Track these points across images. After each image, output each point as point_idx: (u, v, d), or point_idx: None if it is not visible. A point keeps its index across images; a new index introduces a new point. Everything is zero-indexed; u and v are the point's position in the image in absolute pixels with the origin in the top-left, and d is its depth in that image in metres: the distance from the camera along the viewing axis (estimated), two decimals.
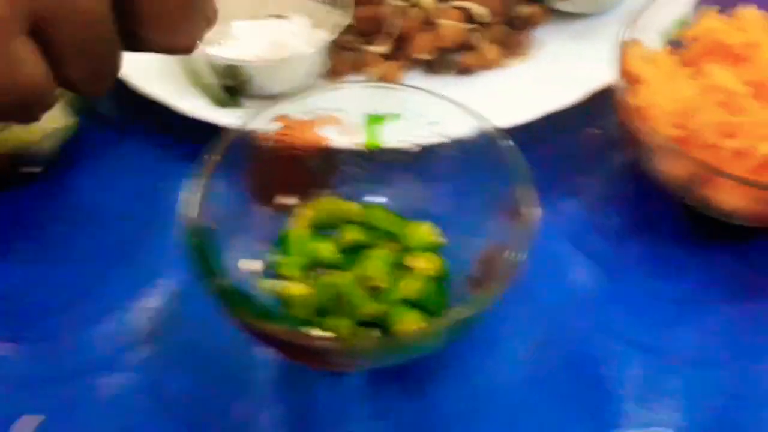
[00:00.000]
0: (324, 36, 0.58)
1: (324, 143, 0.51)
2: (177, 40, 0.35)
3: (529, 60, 0.60)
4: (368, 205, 0.52)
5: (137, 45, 0.34)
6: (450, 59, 0.60)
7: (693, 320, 0.50)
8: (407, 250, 0.50)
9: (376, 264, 0.48)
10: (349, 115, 0.51)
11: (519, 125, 0.55)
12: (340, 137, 0.51)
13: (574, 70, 0.58)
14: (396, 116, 0.50)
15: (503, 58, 0.60)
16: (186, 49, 0.36)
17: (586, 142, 0.58)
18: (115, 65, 0.34)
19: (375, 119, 0.51)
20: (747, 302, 0.50)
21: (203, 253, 0.43)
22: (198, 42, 0.36)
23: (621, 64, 0.50)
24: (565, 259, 0.53)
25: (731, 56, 0.51)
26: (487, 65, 0.60)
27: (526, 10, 0.61)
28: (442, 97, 0.49)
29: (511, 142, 0.46)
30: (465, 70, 0.60)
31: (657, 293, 0.51)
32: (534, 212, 0.44)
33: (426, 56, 0.59)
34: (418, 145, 0.50)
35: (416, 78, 0.60)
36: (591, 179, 0.56)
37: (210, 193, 0.46)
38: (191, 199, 0.44)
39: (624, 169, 0.56)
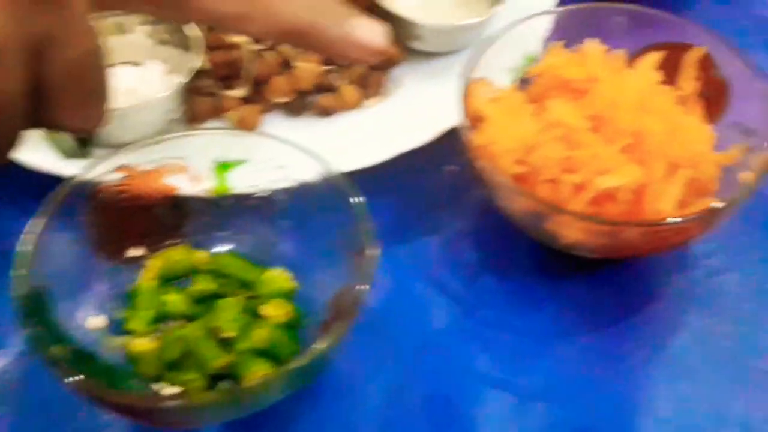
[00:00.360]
0: (178, 81, 0.57)
1: (171, 192, 0.50)
2: (85, 122, 0.38)
3: (387, 100, 0.61)
4: (219, 253, 0.51)
5: (43, 124, 0.36)
6: (308, 101, 0.60)
7: (548, 354, 0.50)
8: (259, 297, 0.49)
9: (226, 314, 0.48)
10: (197, 162, 0.50)
11: (378, 164, 0.56)
12: (188, 185, 0.50)
13: (431, 109, 0.59)
14: (244, 162, 0.50)
15: (362, 99, 0.60)
16: (92, 128, 0.38)
17: (445, 180, 0.58)
18: (15, 142, 0.35)
19: (223, 166, 0.50)
20: (598, 333, 0.51)
21: (34, 316, 0.42)
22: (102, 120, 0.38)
23: (464, 103, 0.51)
24: (423, 299, 0.53)
25: (572, 91, 0.52)
26: (346, 106, 0.60)
27: None
28: (288, 142, 0.49)
29: (352, 184, 0.46)
30: (325, 112, 0.60)
31: (513, 328, 0.51)
32: (375, 252, 0.44)
33: (283, 99, 0.59)
34: (266, 190, 0.50)
35: (276, 120, 0.60)
36: (449, 216, 0.57)
37: (46, 249, 0.44)
38: (22, 256, 0.43)
39: (481, 205, 0.57)
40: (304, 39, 0.41)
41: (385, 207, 0.57)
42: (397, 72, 0.62)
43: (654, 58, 0.52)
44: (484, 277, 0.54)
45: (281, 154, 0.49)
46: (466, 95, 0.52)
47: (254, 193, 0.50)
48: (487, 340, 0.51)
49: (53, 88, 0.36)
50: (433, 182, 0.58)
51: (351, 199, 0.46)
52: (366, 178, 0.55)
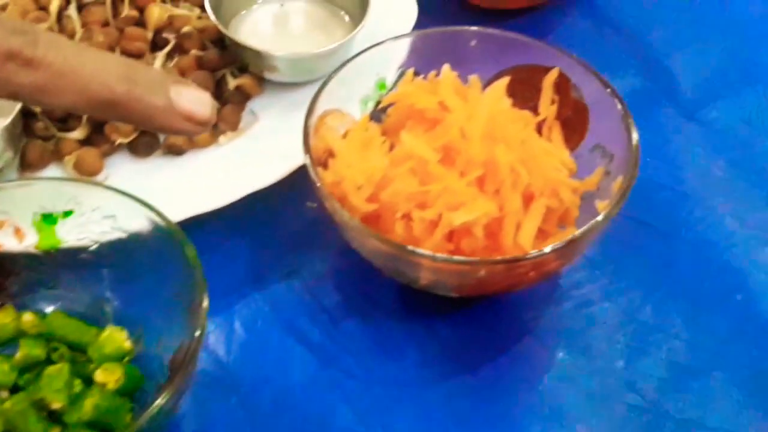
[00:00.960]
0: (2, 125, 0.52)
1: None
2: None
3: (242, 135, 0.57)
4: (48, 314, 0.46)
5: None
6: (154, 140, 0.56)
7: (413, 402, 0.47)
8: (93, 361, 0.45)
9: (53, 383, 0.43)
10: (19, 215, 0.46)
11: (233, 204, 0.52)
12: (11, 241, 0.46)
13: (289, 143, 0.55)
14: (71, 213, 0.46)
15: (215, 136, 0.57)
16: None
17: (306, 218, 0.55)
18: None
19: (47, 218, 0.46)
20: (466, 375, 0.48)
21: None
22: None
23: (310, 138, 0.48)
24: (281, 349, 0.49)
25: (426, 121, 0.49)
26: (197, 144, 0.56)
27: (235, 82, 0.58)
28: (116, 190, 0.45)
29: (183, 233, 0.43)
30: (174, 151, 0.56)
31: (376, 377, 0.48)
32: (206, 303, 0.40)
33: (125, 139, 0.55)
34: (96, 243, 0.46)
35: (120, 163, 0.55)
36: (309, 257, 0.53)
37: None
38: None
39: (343, 243, 0.54)
40: (118, 111, 0.38)
41: (240, 250, 0.53)
42: (252, 105, 0.59)
43: (503, 83, 0.50)
44: (346, 322, 0.50)
45: (111, 203, 0.45)
46: (315, 129, 0.49)
47: (83, 247, 0.46)
48: (349, 391, 0.47)
49: None
50: (292, 221, 0.55)
51: (183, 248, 0.42)
52: (221, 220, 0.52)
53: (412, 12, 0.60)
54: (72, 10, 0.57)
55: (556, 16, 0.66)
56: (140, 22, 0.59)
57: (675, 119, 0.59)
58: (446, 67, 0.51)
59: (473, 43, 0.53)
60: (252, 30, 0.61)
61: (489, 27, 0.64)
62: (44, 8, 0.57)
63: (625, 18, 0.66)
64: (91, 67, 0.37)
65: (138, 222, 0.44)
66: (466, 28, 0.53)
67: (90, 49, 0.39)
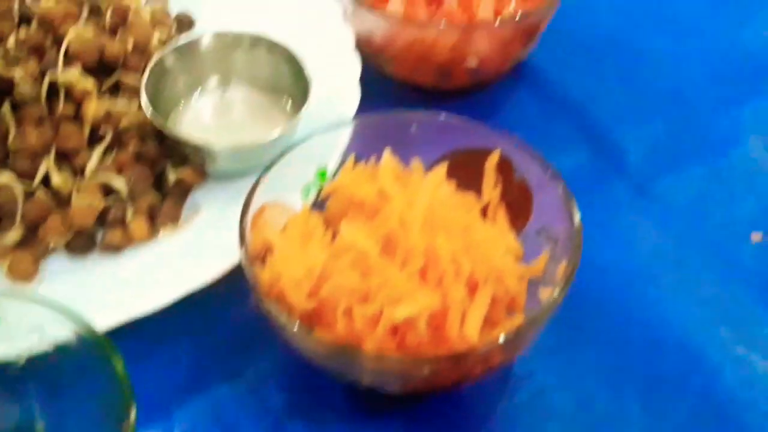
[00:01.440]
0: None
1: None
2: None
3: (183, 230, 0.55)
4: None
5: None
6: (91, 240, 0.54)
7: None
8: None
9: None
10: None
11: (173, 303, 0.50)
12: None
13: (231, 237, 0.53)
14: None
15: (154, 232, 0.55)
16: None
17: (248, 315, 0.53)
18: None
19: None
20: None
21: None
22: None
23: (247, 233, 0.46)
24: None
25: (365, 210, 0.48)
26: (136, 241, 0.54)
27: (176, 175, 0.57)
28: (42, 300, 0.43)
29: (111, 342, 0.41)
30: (113, 249, 0.54)
31: None
32: (133, 419, 0.38)
33: (61, 240, 0.53)
34: (22, 356, 0.44)
35: (57, 265, 0.54)
36: (253, 357, 0.51)
37: None
38: None
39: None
40: None
41: (180, 353, 0.51)
42: (195, 196, 0.57)
43: (443, 169, 0.49)
44: (293, 424, 0.48)
45: (37, 314, 0.42)
46: (253, 223, 0.48)
47: (10, 362, 0.44)
48: None
49: None
50: (235, 319, 0.53)
51: (111, 360, 0.40)
52: (160, 321, 0.50)
53: (354, 96, 0.60)
54: (6, 109, 0.56)
55: (500, 93, 0.66)
56: (78, 117, 0.57)
57: (624, 194, 0.59)
58: (387, 153, 0.51)
59: (414, 128, 0.52)
60: (193, 120, 0.60)
61: (433, 107, 0.64)
62: None
63: (569, 93, 0.65)
64: None
65: (65, 333, 0.42)
66: (407, 113, 0.53)
67: None
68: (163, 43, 0.63)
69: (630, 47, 0.68)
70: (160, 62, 0.59)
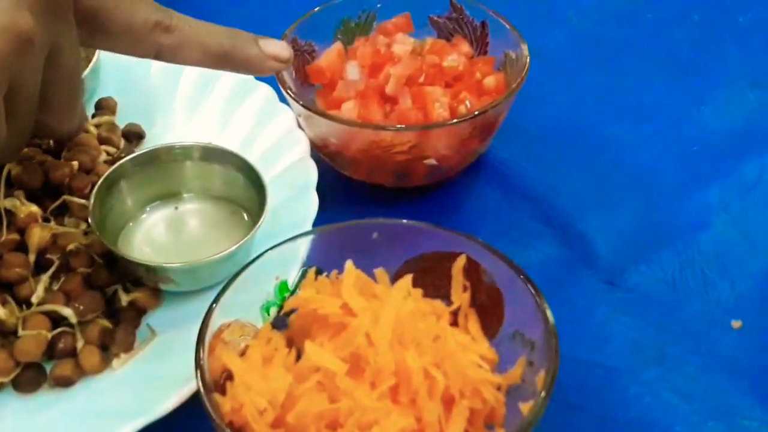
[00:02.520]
0: None
1: None
2: (70, 125, 0.53)
3: (137, 356, 0.52)
4: None
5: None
6: (39, 373, 0.51)
7: None
8: None
9: None
10: None
11: None
12: None
13: (189, 362, 0.50)
14: None
15: (107, 361, 0.52)
16: (73, 133, 0.56)
17: None
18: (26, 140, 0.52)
19: None
20: None
21: None
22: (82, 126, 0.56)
23: (203, 360, 0.43)
24: None
25: (330, 327, 0.45)
26: (87, 372, 0.51)
27: (128, 297, 0.54)
28: None
29: None
30: (63, 382, 0.51)
31: None
32: None
33: (5, 378, 0.50)
34: None
35: (3, 401, 0.50)
36: None
37: None
38: None
39: None
40: (229, 59, 0.54)
41: None
42: (149, 319, 0.54)
43: (408, 279, 0.47)
44: None
45: None
46: (210, 348, 0.45)
47: None
48: None
49: (54, 92, 0.49)
50: None
51: None
52: None
53: (312, 204, 0.58)
54: None
55: (461, 188, 0.65)
56: (22, 245, 0.55)
57: (596, 287, 0.57)
58: (349, 264, 0.48)
59: (375, 235, 0.50)
60: (145, 238, 0.58)
61: (394, 207, 0.63)
62: None
63: (533, 185, 0.64)
64: (206, 31, 0.54)
65: None
66: (368, 221, 0.51)
67: (204, 22, 0.54)
68: (111, 159, 0.61)
69: (590, 135, 0.68)
70: (108, 180, 0.56)
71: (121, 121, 0.67)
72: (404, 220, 0.50)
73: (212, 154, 0.59)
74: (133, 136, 0.66)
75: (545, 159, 0.66)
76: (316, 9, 0.67)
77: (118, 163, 0.58)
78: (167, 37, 0.52)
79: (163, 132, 0.67)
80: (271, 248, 0.50)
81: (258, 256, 0.49)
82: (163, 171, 0.59)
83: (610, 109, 0.70)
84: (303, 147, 0.62)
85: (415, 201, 0.64)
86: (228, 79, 0.68)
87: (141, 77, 0.70)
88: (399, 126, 0.59)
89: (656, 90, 0.72)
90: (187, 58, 0.53)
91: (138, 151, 0.60)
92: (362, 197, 0.64)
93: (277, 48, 0.56)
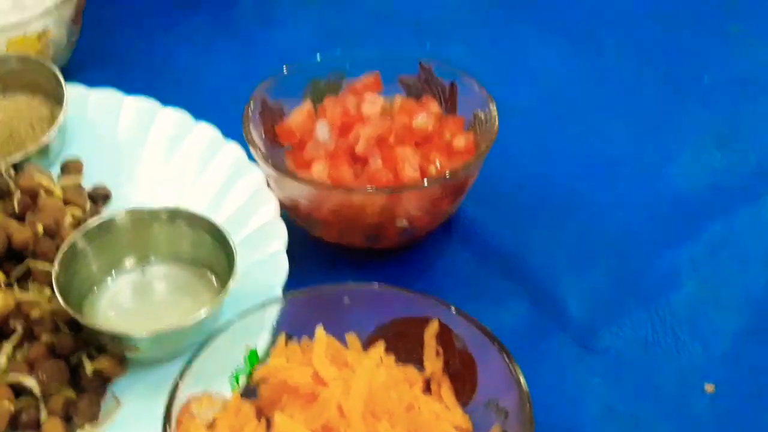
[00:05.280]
0: None
1: None
2: None
3: (102, 427, 0.51)
4: None
5: None
6: None
7: None
8: None
9: None
10: None
11: None
12: None
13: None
14: None
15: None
16: None
17: None
18: None
19: None
20: None
21: None
22: None
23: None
24: None
25: (300, 397, 0.45)
26: None
27: (93, 366, 0.53)
28: None
29: None
30: None
31: None
32: None
33: None
34: None
35: None
36: None
37: None
38: None
39: None
40: None
41: None
42: (114, 388, 0.53)
43: (380, 347, 0.46)
44: None
45: None
46: (178, 422, 0.44)
47: None
48: None
49: None
50: None
51: None
52: None
53: (282, 267, 0.57)
54: None
55: (432, 248, 0.64)
56: None
57: (569, 349, 0.56)
58: (319, 330, 0.48)
59: (346, 300, 0.50)
60: (110, 304, 0.56)
61: (365, 268, 0.62)
62: None
63: (504, 244, 0.64)
64: None
65: None
66: (338, 285, 0.50)
67: None
68: (76, 222, 0.60)
69: (560, 193, 0.67)
70: (73, 245, 0.55)
71: (88, 181, 0.66)
72: (375, 285, 0.50)
73: (179, 217, 0.58)
74: (100, 197, 0.65)
75: (516, 218, 0.66)
76: (284, 70, 0.66)
77: (83, 227, 0.57)
78: None
79: (131, 192, 0.66)
80: (240, 316, 0.49)
81: (226, 325, 0.48)
82: (130, 234, 0.58)
83: (580, 167, 0.70)
84: (272, 208, 0.61)
85: (385, 262, 0.63)
86: (196, 137, 0.68)
87: (108, 136, 0.70)
88: (369, 188, 0.59)
89: (625, 148, 0.72)
90: None
91: (104, 214, 0.59)
92: (332, 259, 0.63)
93: None
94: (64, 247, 0.55)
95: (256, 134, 0.62)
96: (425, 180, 0.59)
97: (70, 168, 0.67)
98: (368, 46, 0.82)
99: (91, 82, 0.72)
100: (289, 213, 0.62)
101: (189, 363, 0.46)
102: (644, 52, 0.81)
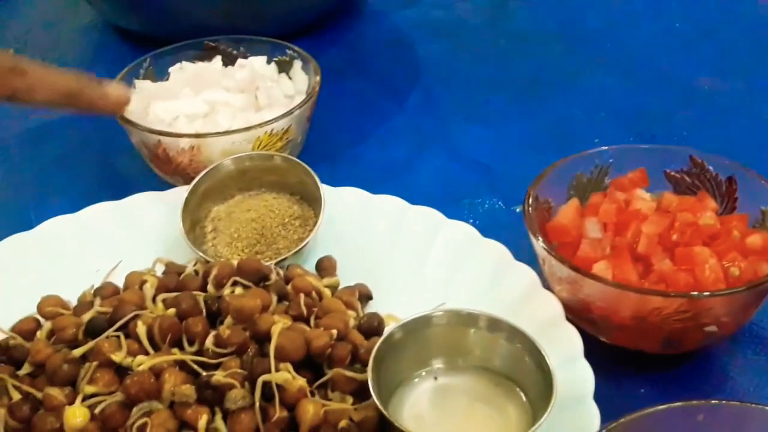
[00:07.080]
0: None
1: None
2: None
3: None
4: None
5: None
6: None
7: None
8: None
9: None
10: None
11: None
12: None
13: None
14: None
15: None
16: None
17: None
18: None
19: None
20: None
21: None
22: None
23: None
24: None
25: None
26: None
27: None
28: None
29: None
30: None
31: None
32: None
33: None
34: None
35: None
36: None
37: None
38: None
39: None
40: (77, 98, 0.61)
41: None
42: None
43: None
44: None
45: None
46: None
47: None
48: None
49: None
50: None
51: None
52: None
53: (588, 375, 0.54)
54: (218, 421, 0.50)
55: (723, 353, 0.60)
56: (292, 421, 0.51)
57: None
58: None
59: (700, 417, 0.46)
60: (412, 411, 0.53)
61: (660, 374, 0.58)
62: (192, 428, 0.50)
63: None
64: (55, 73, 0.61)
65: None
66: (693, 402, 0.46)
67: (53, 66, 0.62)
68: (353, 327, 0.58)
69: None
70: (381, 348, 0.53)
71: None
72: (733, 401, 0.46)
73: (499, 327, 0.55)
74: (363, 297, 0.63)
75: None
76: (553, 166, 0.64)
77: (395, 326, 0.55)
78: (21, 80, 0.57)
79: (387, 294, 0.64)
80: None
81: None
82: (441, 337, 0.56)
83: None
84: (556, 309, 0.58)
85: (679, 368, 0.59)
86: (450, 232, 0.66)
87: (356, 233, 0.68)
88: (698, 293, 0.55)
89: None
90: (39, 98, 0.59)
91: (416, 316, 0.56)
92: (618, 364, 0.60)
93: (120, 90, 0.65)
94: (375, 348, 0.52)
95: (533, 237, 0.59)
96: (747, 285, 0.55)
97: (326, 266, 0.66)
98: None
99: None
100: (572, 316, 0.59)
101: None
102: None
